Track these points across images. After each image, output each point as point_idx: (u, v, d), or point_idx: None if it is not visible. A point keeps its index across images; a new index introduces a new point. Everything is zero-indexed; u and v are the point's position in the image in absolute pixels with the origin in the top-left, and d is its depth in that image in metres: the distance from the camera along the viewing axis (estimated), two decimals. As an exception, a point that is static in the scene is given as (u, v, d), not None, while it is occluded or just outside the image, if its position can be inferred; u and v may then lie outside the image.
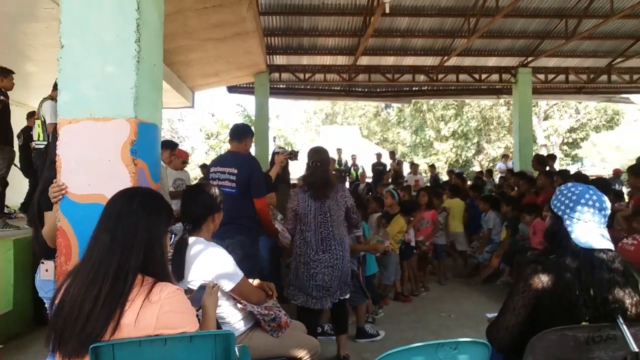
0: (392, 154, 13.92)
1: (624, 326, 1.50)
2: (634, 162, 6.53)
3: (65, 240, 2.10)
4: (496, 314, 1.84)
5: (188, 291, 1.93)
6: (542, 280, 1.60)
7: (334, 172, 7.72)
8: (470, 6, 8.53)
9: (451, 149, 26.79)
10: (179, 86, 9.46)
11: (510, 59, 10.96)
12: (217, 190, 2.31)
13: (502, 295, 5.07)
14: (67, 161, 2.11)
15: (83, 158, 2.11)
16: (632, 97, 13.83)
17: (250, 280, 2.38)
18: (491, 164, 24.00)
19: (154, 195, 1.62)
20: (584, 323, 1.54)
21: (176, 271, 2.08)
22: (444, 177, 15.61)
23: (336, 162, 12.35)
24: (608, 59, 11.03)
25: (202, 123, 26.38)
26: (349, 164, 13.56)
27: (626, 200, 6.39)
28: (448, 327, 4.40)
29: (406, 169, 14.36)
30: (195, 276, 2.06)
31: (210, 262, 2.09)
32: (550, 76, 11.51)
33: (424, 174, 15.74)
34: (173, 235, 2.02)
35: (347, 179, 12.62)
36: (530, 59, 10.73)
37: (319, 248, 3.18)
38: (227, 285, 2.10)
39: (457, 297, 5.40)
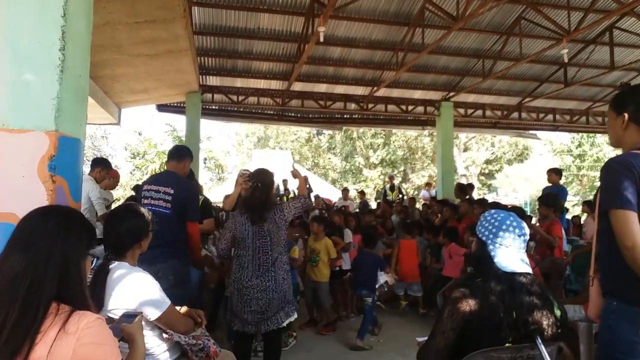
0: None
1: (542, 346, 1.60)
2: (541, 193, 7.14)
3: (-36, 264, 1.86)
4: (426, 338, 1.89)
5: (109, 320, 1.77)
6: (469, 303, 1.66)
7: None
8: (399, 41, 9.04)
9: (379, 176, 27.75)
10: (104, 101, 8.94)
11: (434, 92, 11.64)
12: (146, 213, 2.17)
13: (425, 319, 5.18)
14: (-29, 176, 1.89)
15: (-8, 173, 1.89)
16: (538, 133, 15.22)
17: (178, 308, 2.24)
18: (416, 192, 25.14)
19: (73, 214, 1.49)
20: (507, 344, 1.62)
21: (95, 298, 1.91)
22: (373, 205, 16.00)
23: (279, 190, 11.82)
24: (519, 98, 12.12)
25: (128, 141, 25.09)
26: (281, 189, 13.38)
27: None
28: (377, 352, 4.45)
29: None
30: (117, 304, 1.90)
31: (134, 288, 1.94)
32: (470, 111, 12.37)
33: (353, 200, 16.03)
34: (95, 260, 1.86)
35: None
36: (452, 93, 11.49)
37: (254, 274, 3.05)
38: (153, 314, 1.95)
39: (383, 321, 5.40)
